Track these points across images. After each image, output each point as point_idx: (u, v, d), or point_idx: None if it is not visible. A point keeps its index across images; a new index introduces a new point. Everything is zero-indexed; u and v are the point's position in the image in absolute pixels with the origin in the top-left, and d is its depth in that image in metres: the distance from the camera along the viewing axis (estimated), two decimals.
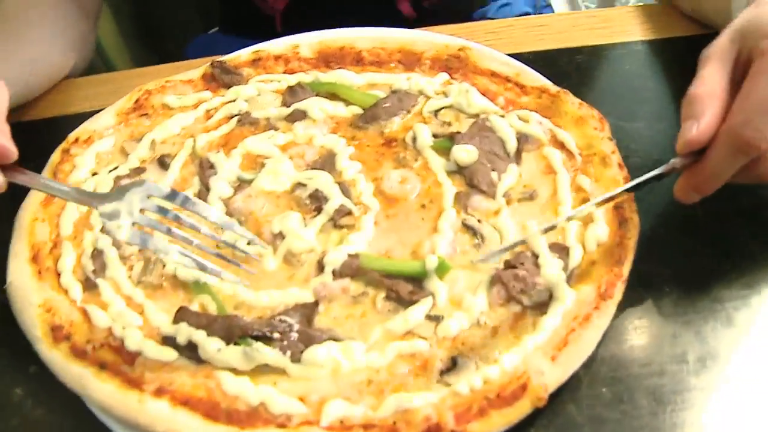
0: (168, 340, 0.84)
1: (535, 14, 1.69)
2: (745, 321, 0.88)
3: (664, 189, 1.00)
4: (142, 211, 0.85)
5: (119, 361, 0.83)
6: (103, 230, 0.96)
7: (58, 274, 0.92)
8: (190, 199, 0.86)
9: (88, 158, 1.05)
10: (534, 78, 1.11)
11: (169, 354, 0.83)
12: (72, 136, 1.07)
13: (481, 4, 1.78)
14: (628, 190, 0.88)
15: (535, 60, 1.16)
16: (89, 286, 0.91)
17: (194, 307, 0.88)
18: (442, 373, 0.79)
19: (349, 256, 0.89)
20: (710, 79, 0.83)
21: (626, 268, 0.86)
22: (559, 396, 0.81)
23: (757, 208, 1.00)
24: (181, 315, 0.86)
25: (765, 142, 0.77)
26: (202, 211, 0.86)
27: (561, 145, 1.01)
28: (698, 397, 0.81)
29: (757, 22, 0.83)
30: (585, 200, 0.94)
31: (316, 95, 1.12)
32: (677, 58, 1.20)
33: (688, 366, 0.84)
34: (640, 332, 0.87)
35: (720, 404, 0.81)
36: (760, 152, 0.79)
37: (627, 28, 1.30)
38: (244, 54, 1.19)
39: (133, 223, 0.84)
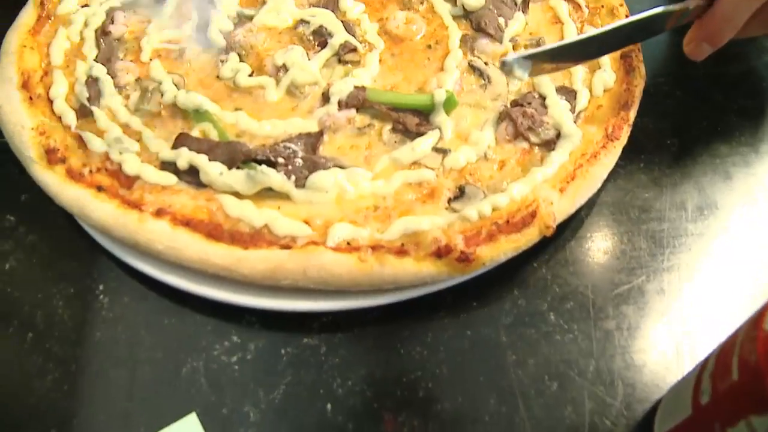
0: (167, 166, 0.82)
1: None
2: (742, 176, 0.90)
3: (668, 47, 1.01)
4: None
5: (116, 185, 0.81)
6: (97, 59, 0.92)
7: (50, 102, 0.89)
8: None
9: None
10: None
11: (169, 178, 0.81)
12: None
13: None
14: (631, 30, 0.84)
15: None
16: (84, 113, 0.88)
17: (194, 133, 0.86)
18: (450, 200, 0.79)
19: (356, 87, 0.87)
20: None
21: (632, 113, 0.86)
22: (561, 234, 0.82)
23: (759, 71, 1.00)
24: (182, 140, 0.83)
25: None
26: None
27: None
28: (695, 242, 0.84)
29: None
30: None
31: None
32: None
33: (686, 213, 0.86)
34: (642, 180, 0.88)
35: (715, 249, 0.83)
36: None
37: None
38: None
39: None
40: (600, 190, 0.83)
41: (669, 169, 0.90)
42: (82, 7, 0.99)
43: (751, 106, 0.97)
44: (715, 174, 0.90)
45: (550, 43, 0.94)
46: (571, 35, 0.95)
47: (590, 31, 0.83)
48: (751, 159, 0.91)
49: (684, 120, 0.95)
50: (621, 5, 0.96)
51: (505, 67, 0.80)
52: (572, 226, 0.83)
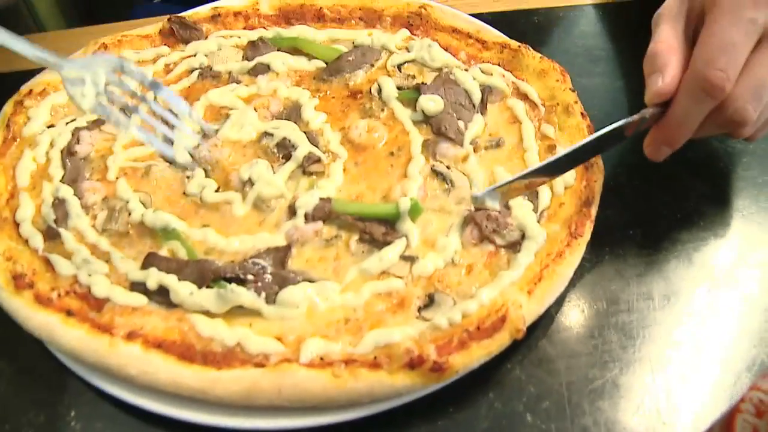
0: (137, 286, 0.82)
1: None
2: (703, 260, 0.91)
3: (625, 141, 1.04)
4: (107, 84, 0.82)
5: (86, 308, 0.81)
6: (63, 180, 0.93)
7: (17, 225, 0.89)
8: (159, 84, 0.83)
9: (43, 110, 1.02)
10: (495, 34, 1.12)
11: (139, 299, 0.81)
12: (25, 88, 1.04)
13: None
14: (595, 145, 0.86)
15: (493, 21, 1.17)
16: (51, 235, 0.88)
17: (163, 253, 0.86)
18: (420, 309, 0.80)
19: (321, 199, 0.89)
20: (667, 36, 0.85)
21: (594, 209, 0.88)
22: (533, 333, 0.83)
23: (712, 158, 1.04)
24: (150, 260, 0.84)
25: (728, 82, 0.79)
26: (169, 99, 0.83)
27: (524, 97, 1.03)
28: (664, 331, 0.85)
29: None
30: (551, 147, 0.96)
31: (278, 50, 1.10)
32: (628, 20, 1.23)
33: (653, 302, 0.87)
34: (608, 273, 0.90)
35: (683, 336, 0.84)
36: (725, 93, 0.80)
37: None
38: (202, 10, 1.17)
39: (98, 94, 0.81)
40: (568, 287, 0.85)
41: (633, 260, 0.91)
42: (48, 127, 1.00)
43: (707, 191, 1.00)
44: (678, 261, 0.91)
45: (509, 142, 0.97)
46: (529, 134, 0.97)
47: (556, 155, 0.86)
48: (711, 243, 0.93)
49: (645, 209, 0.97)
50: (576, 102, 0.99)
51: (477, 201, 0.83)
52: (543, 324, 0.84)
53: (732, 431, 0.53)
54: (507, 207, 0.88)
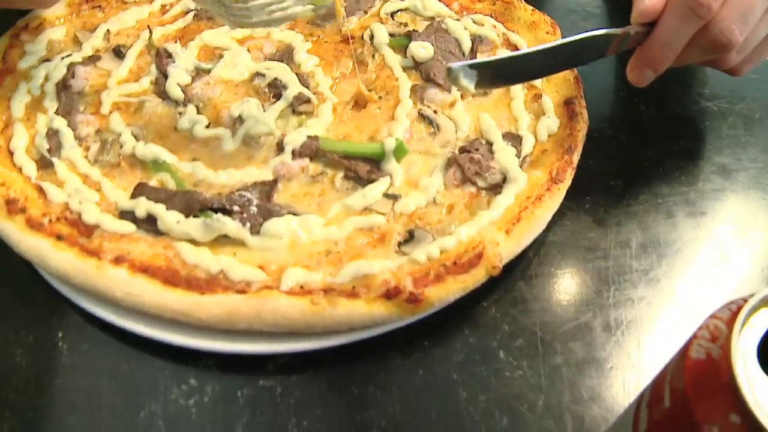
0: (126, 215, 0.84)
1: None
2: (683, 215, 0.93)
3: (612, 96, 1.06)
4: None
5: (76, 233, 0.82)
6: (58, 112, 0.95)
7: (11, 153, 0.91)
8: None
9: (40, 45, 1.03)
10: None
11: (127, 226, 0.83)
12: (21, 21, 1.05)
13: None
14: (574, 50, 0.85)
15: None
16: (44, 164, 0.90)
17: (152, 183, 0.88)
18: (400, 244, 0.82)
19: (309, 137, 0.90)
20: None
21: (576, 156, 0.90)
22: (510, 274, 0.85)
23: (698, 116, 1.06)
24: (140, 190, 0.86)
25: (715, 1, 0.79)
26: None
27: (514, 47, 1.04)
28: (639, 279, 0.87)
29: None
30: (537, 96, 0.97)
31: None
32: None
33: (630, 251, 0.89)
34: (587, 221, 0.92)
35: (658, 285, 0.86)
36: (711, 12, 0.80)
37: None
38: None
39: None
40: (547, 231, 0.87)
41: (613, 210, 0.93)
42: (44, 61, 1.02)
43: (690, 147, 1.01)
44: (658, 213, 0.93)
45: (496, 91, 0.98)
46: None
47: (534, 47, 0.85)
48: (691, 197, 0.95)
49: (627, 162, 0.99)
50: None
51: (452, 75, 0.81)
52: (520, 266, 0.86)
53: (687, 355, 0.54)
54: (490, 151, 0.90)
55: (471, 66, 0.79)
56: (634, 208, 0.94)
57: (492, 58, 0.80)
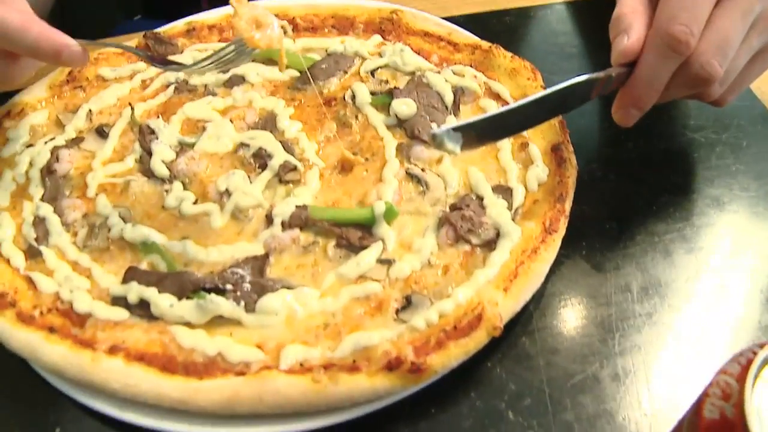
0: (118, 301, 0.83)
1: None
2: (681, 252, 0.92)
3: (598, 135, 1.06)
4: None
5: (68, 324, 0.81)
6: (43, 198, 0.94)
7: None
8: None
9: (22, 130, 1.03)
10: (466, 36, 1.13)
11: (121, 313, 0.82)
12: (2, 109, 1.05)
13: None
14: (559, 100, 0.84)
15: (465, 23, 1.19)
16: (32, 254, 0.89)
17: (143, 266, 0.87)
18: (398, 311, 0.81)
19: (297, 207, 0.90)
20: (631, 0, 0.86)
21: (568, 204, 0.89)
22: (512, 330, 0.84)
23: (686, 148, 1.05)
24: (131, 274, 0.85)
25: (692, 36, 0.80)
26: None
27: (496, 96, 1.05)
28: (643, 323, 0.86)
29: None
30: (523, 145, 0.97)
31: (252, 61, 1.11)
32: (598, 17, 1.23)
33: (632, 295, 0.88)
34: (585, 267, 0.91)
35: (662, 328, 0.85)
36: (690, 48, 0.80)
37: None
38: (177, 25, 1.18)
39: None
40: (545, 282, 0.86)
41: (611, 253, 0.92)
42: (27, 147, 1.01)
43: (681, 181, 1.01)
44: (656, 252, 0.92)
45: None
46: None
47: (517, 102, 0.84)
48: (687, 233, 0.95)
49: (620, 202, 0.98)
50: None
51: (436, 140, 0.79)
52: (521, 321, 0.85)
53: (701, 415, 0.53)
54: (481, 206, 0.89)
55: (455, 129, 0.79)
56: (631, 249, 0.93)
57: (475, 118, 0.79)
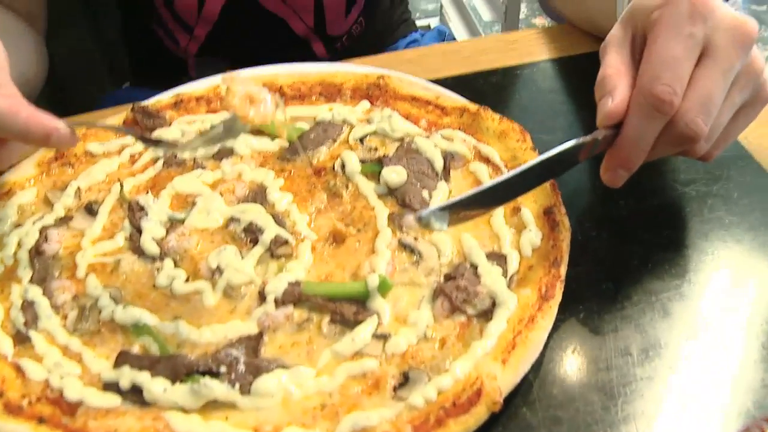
0: (110, 386, 0.81)
1: None
2: (679, 310, 0.91)
3: (589, 194, 1.05)
4: None
5: (59, 413, 0.79)
6: (32, 280, 0.93)
7: None
8: None
9: (10, 210, 1.02)
10: (453, 99, 1.14)
11: (113, 400, 0.80)
12: None
13: (390, 43, 1.82)
14: (547, 167, 0.85)
15: (452, 84, 1.19)
16: (20, 339, 0.87)
17: (135, 350, 0.85)
18: (396, 388, 0.79)
19: (290, 283, 0.89)
20: (614, 62, 0.88)
21: (563, 268, 0.89)
22: (512, 401, 0.82)
23: (678, 203, 1.05)
24: (123, 359, 0.83)
25: (676, 96, 0.80)
26: None
27: (486, 160, 1.05)
28: (646, 387, 0.84)
29: (641, 4, 0.88)
30: (516, 209, 0.96)
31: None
32: (584, 72, 1.24)
33: (632, 358, 0.87)
34: (584, 332, 0.89)
35: (665, 391, 0.84)
36: (674, 108, 0.81)
37: (534, 48, 1.36)
38: (164, 97, 1.18)
39: None
40: (544, 350, 0.84)
41: (608, 315, 0.91)
42: (15, 227, 1.00)
43: (675, 237, 1.00)
44: (654, 312, 0.91)
45: None
46: None
47: (504, 175, 0.84)
48: (684, 290, 0.94)
49: (615, 261, 0.97)
50: None
51: (423, 222, 0.81)
52: (521, 391, 0.83)
53: None
54: (476, 274, 0.88)
55: (441, 208, 0.79)
56: (629, 310, 0.92)
57: (461, 196, 0.80)
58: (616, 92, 0.85)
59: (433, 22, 3.62)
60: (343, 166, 1.05)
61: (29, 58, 1.34)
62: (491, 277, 0.88)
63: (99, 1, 1.82)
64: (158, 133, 1.11)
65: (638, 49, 0.88)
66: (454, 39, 1.89)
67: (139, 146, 1.11)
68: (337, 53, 1.66)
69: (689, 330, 0.89)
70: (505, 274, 0.89)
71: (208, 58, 1.57)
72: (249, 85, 0.87)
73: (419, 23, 2.43)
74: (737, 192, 1.06)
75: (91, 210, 1.02)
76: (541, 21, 4.42)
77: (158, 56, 1.63)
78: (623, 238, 1.00)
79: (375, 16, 1.73)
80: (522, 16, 3.39)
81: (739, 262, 0.97)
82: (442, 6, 3.59)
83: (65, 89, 1.92)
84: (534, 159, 0.84)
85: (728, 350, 0.87)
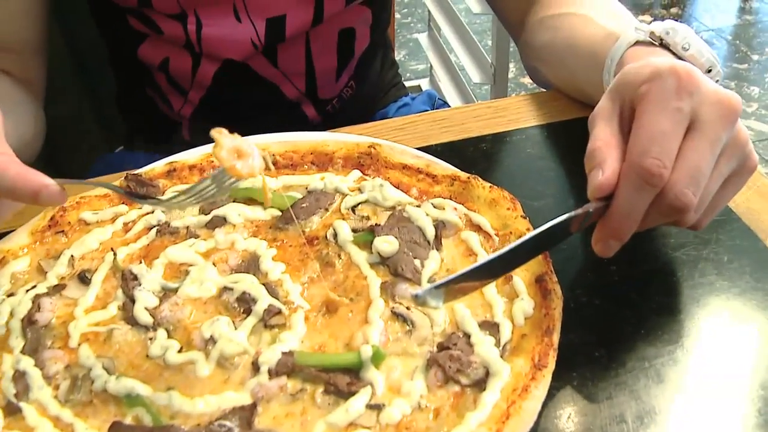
0: None
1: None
2: (674, 376, 0.91)
3: (581, 260, 1.06)
4: None
5: None
6: (24, 350, 0.92)
7: None
8: None
9: (3, 279, 1.02)
10: (444, 167, 1.15)
11: None
12: None
13: (381, 107, 1.85)
14: (540, 241, 0.87)
15: (442, 151, 1.21)
16: (11, 411, 0.86)
17: (128, 421, 0.85)
18: None
19: (284, 354, 0.89)
20: (603, 134, 0.90)
21: (556, 336, 0.89)
22: None
23: (668, 267, 1.06)
24: (115, 430, 0.82)
25: (665, 169, 0.82)
26: None
27: (477, 228, 1.06)
28: None
29: (628, 78, 0.91)
30: (508, 278, 0.97)
31: (234, 201, 1.13)
32: (573, 138, 1.26)
33: (627, 425, 0.86)
34: (577, 399, 0.89)
35: None
36: (663, 180, 0.83)
37: (522, 115, 1.38)
38: (158, 166, 1.20)
39: None
40: (538, 419, 0.84)
41: (602, 383, 0.91)
42: (8, 296, 1.00)
43: (667, 302, 1.01)
44: (648, 378, 0.91)
45: None
46: None
47: (498, 252, 0.86)
48: (678, 356, 0.94)
49: (608, 328, 0.98)
50: (528, 230, 1.02)
51: (419, 300, 0.82)
52: None
53: None
54: (469, 344, 0.89)
55: (436, 286, 0.81)
56: (623, 377, 0.92)
57: (455, 274, 0.82)
58: (606, 165, 0.86)
59: (423, 83, 3.68)
60: (335, 236, 1.06)
61: (27, 121, 1.36)
62: (484, 347, 0.88)
63: (94, 66, 1.85)
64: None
65: (626, 121, 0.90)
66: (444, 102, 1.91)
67: (133, 214, 1.12)
68: (329, 116, 1.68)
69: (684, 396, 0.89)
70: (497, 343, 0.89)
71: (200, 125, 1.59)
72: (237, 140, 0.88)
73: (409, 84, 2.48)
74: (727, 255, 1.08)
75: (84, 279, 1.02)
76: (530, 80, 4.50)
77: (152, 119, 1.65)
78: (615, 303, 1.01)
79: (365, 80, 1.77)
80: (511, 75, 3.45)
81: (732, 327, 0.97)
82: (431, 67, 3.65)
83: (61, 152, 1.93)
84: (527, 234, 0.86)
85: (724, 416, 0.87)
